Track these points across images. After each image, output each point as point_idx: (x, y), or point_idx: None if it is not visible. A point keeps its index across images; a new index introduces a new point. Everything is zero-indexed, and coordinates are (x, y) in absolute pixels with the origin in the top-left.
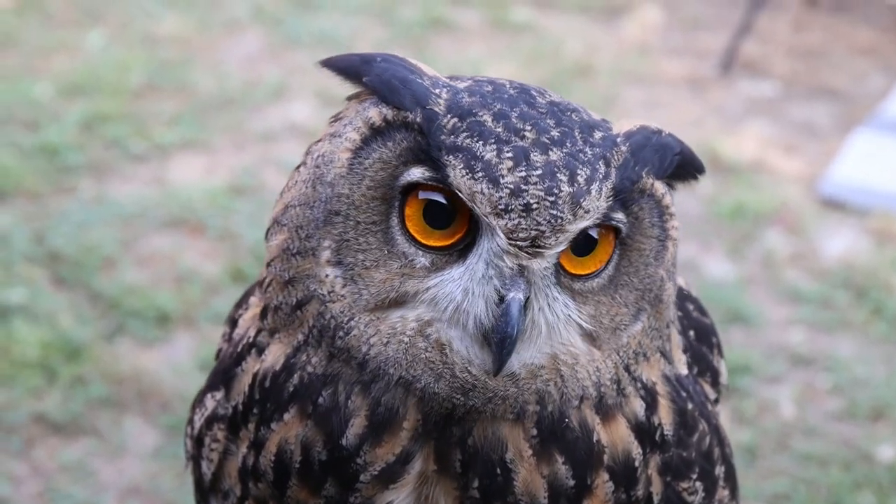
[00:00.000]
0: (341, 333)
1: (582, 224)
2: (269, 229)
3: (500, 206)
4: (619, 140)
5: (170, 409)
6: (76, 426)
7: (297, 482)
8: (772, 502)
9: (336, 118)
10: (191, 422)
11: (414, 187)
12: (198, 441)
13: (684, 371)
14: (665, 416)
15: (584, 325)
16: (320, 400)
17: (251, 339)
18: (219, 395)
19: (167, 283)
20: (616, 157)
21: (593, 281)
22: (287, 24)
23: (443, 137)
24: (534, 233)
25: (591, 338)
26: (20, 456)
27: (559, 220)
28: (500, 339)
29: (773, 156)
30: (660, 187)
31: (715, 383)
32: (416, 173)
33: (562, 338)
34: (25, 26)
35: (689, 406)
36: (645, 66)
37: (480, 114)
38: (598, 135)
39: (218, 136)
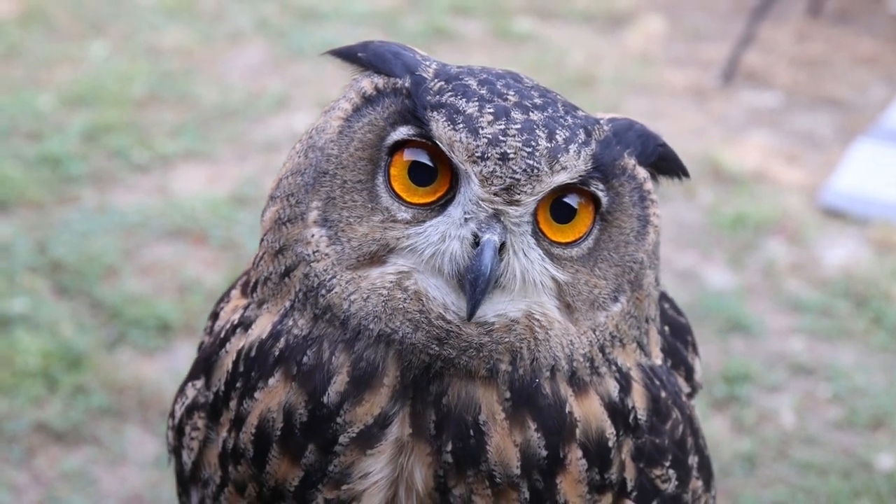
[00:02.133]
0: (323, 291)
1: (558, 178)
2: (264, 207)
3: (476, 154)
4: (602, 121)
5: None
6: (77, 435)
7: (278, 452)
8: None
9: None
10: (172, 413)
11: (400, 147)
12: (178, 431)
13: (658, 362)
14: (639, 400)
15: (561, 283)
16: (304, 359)
17: (235, 322)
18: (199, 383)
19: (169, 293)
20: (597, 132)
21: (573, 249)
22: (290, 36)
23: (428, 98)
24: (509, 181)
25: (568, 309)
26: (21, 465)
27: (535, 171)
28: (473, 279)
29: (774, 165)
30: (641, 171)
31: (689, 378)
32: (402, 132)
33: (538, 295)
34: (29, 38)
35: (663, 394)
36: (647, 76)
37: (466, 79)
38: (581, 112)
39: (220, 146)
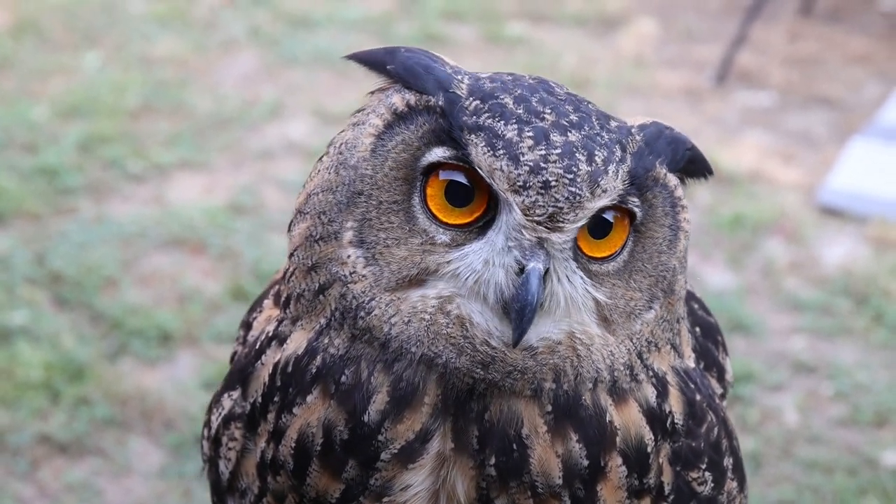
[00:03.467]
0: (362, 314)
1: (599, 203)
2: (291, 221)
3: (518, 183)
4: (633, 130)
5: (174, 427)
6: (81, 446)
7: (319, 466)
8: None
9: (359, 111)
10: (207, 423)
11: (435, 167)
12: (215, 441)
13: (692, 364)
14: (676, 405)
15: (601, 302)
16: (343, 378)
17: (270, 333)
18: (235, 394)
19: (169, 303)
20: (631, 144)
21: (609, 264)
22: (283, 44)
23: (465, 118)
24: (551, 209)
25: (605, 322)
26: (26, 477)
27: (578, 198)
28: (519, 308)
29: (770, 165)
30: (672, 179)
31: (721, 379)
32: (438, 153)
33: (580, 316)
34: (22, 49)
35: (698, 397)
36: (641, 78)
37: (502, 97)
38: (613, 123)
39: (216, 155)
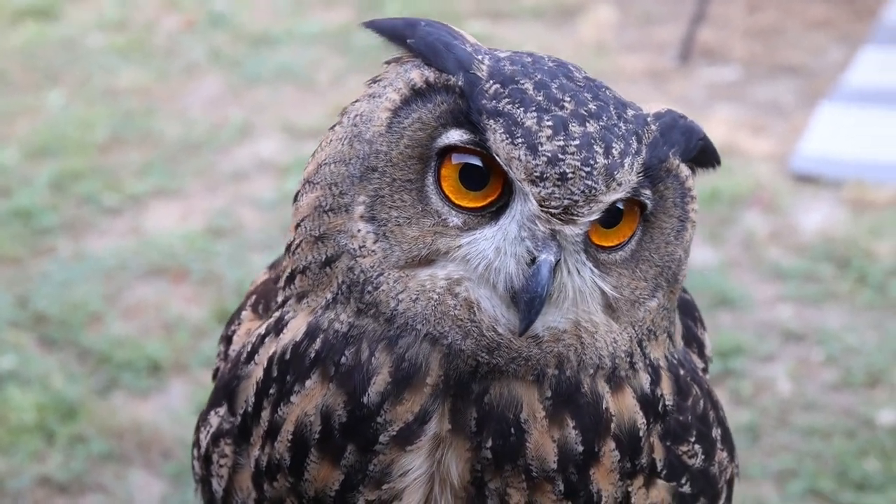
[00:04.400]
0: (370, 288)
1: (614, 196)
2: (297, 192)
3: (535, 174)
4: (649, 119)
5: (172, 456)
6: (80, 484)
7: (317, 455)
8: (779, 479)
9: (374, 80)
10: (196, 443)
11: (451, 149)
12: (206, 460)
13: (681, 344)
14: (666, 387)
15: (609, 293)
16: (343, 359)
17: (262, 331)
18: (222, 410)
19: (155, 332)
20: (647, 135)
21: (617, 253)
22: (245, 64)
23: (484, 102)
24: (566, 202)
25: (611, 310)
26: None
27: (593, 191)
28: (529, 299)
29: (741, 138)
30: (684, 169)
31: (701, 354)
32: (455, 136)
33: (587, 305)
34: None
35: (682, 372)
36: (604, 64)
37: (522, 82)
38: (630, 112)
39: (189, 181)
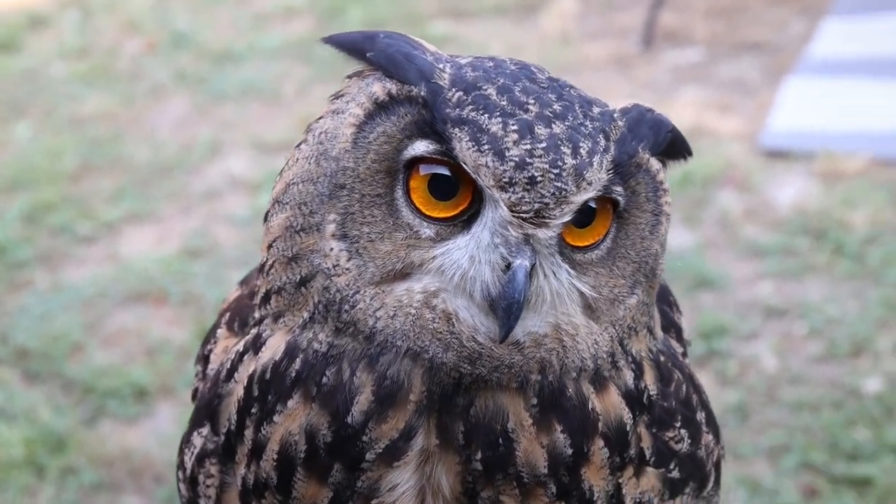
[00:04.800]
0: (347, 307)
1: (585, 196)
2: (268, 211)
3: (504, 180)
4: (616, 115)
5: (164, 481)
6: None
7: (304, 474)
8: (771, 455)
9: (337, 96)
10: (181, 465)
11: (418, 161)
12: (192, 482)
13: (661, 334)
14: (649, 378)
15: (587, 294)
16: (324, 380)
17: (240, 349)
18: (205, 430)
19: (139, 358)
20: (615, 132)
21: (592, 252)
22: (210, 82)
23: (448, 110)
24: (537, 205)
25: (590, 310)
26: None
27: (563, 192)
28: (506, 306)
29: (710, 119)
30: (654, 163)
31: (679, 338)
32: (421, 147)
33: (565, 308)
34: None
35: (662, 358)
36: (569, 54)
37: (485, 87)
38: (596, 109)
39: (162, 203)
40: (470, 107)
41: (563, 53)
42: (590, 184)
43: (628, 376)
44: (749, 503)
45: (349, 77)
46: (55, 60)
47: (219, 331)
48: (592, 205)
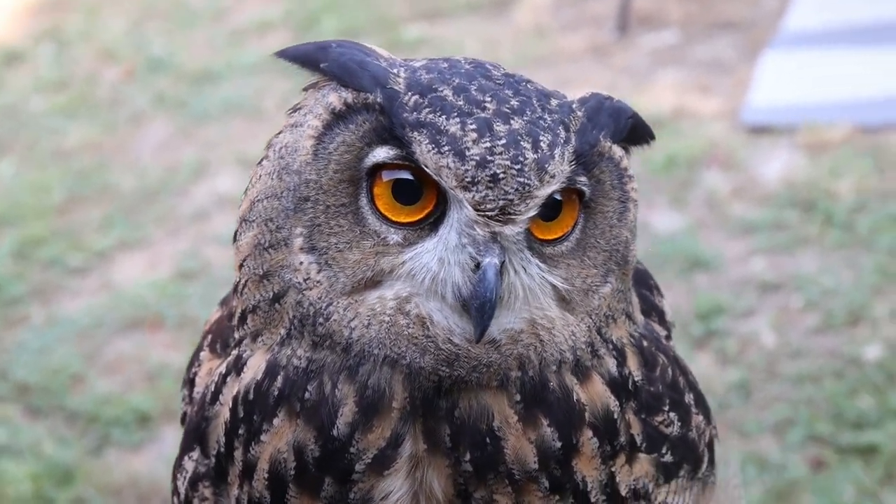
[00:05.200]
0: (321, 320)
1: (549, 189)
2: (236, 231)
3: (466, 179)
4: (574, 106)
5: None
6: None
7: (296, 491)
8: (777, 430)
9: (294, 109)
10: (175, 491)
11: (380, 167)
12: None
13: (642, 318)
14: (632, 364)
15: (559, 287)
16: (307, 395)
17: (223, 370)
18: (195, 454)
19: (139, 384)
20: (574, 123)
21: (562, 245)
22: (191, 103)
23: (405, 115)
24: (502, 202)
25: (564, 302)
26: None
27: (527, 187)
28: (479, 305)
29: (690, 100)
30: (617, 150)
31: (662, 321)
32: (381, 153)
33: (539, 302)
34: None
35: (645, 343)
36: (545, 47)
37: (441, 89)
38: (554, 102)
39: (152, 228)
40: (427, 109)
41: (538, 46)
42: (553, 177)
43: (611, 364)
44: (758, 480)
45: (305, 89)
46: (34, 95)
47: (202, 353)
48: (558, 197)
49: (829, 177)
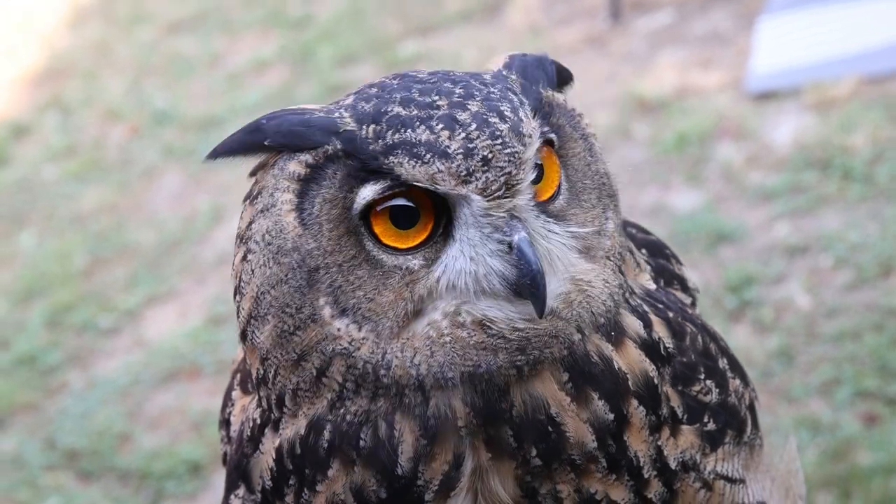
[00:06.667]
0: (383, 371)
1: (533, 149)
2: (243, 331)
3: (462, 174)
4: (505, 73)
5: None
6: None
7: None
8: (824, 391)
9: (253, 196)
10: None
11: (370, 206)
12: None
13: (653, 286)
14: (661, 331)
15: (581, 236)
16: (361, 443)
17: (257, 420)
18: (241, 491)
19: (186, 434)
20: (514, 84)
21: (559, 198)
22: (199, 151)
23: (372, 147)
24: (503, 178)
25: (586, 252)
26: None
27: (516, 154)
28: (531, 281)
29: (693, 77)
30: (558, 96)
31: (685, 289)
32: (368, 192)
33: (570, 259)
34: None
35: (671, 314)
36: (541, 44)
37: (389, 109)
38: (487, 77)
39: (177, 280)
40: (389, 132)
41: (536, 45)
42: (530, 136)
43: (637, 324)
44: (812, 443)
45: (252, 174)
46: (45, 164)
47: (234, 393)
48: (538, 160)
49: (842, 132)
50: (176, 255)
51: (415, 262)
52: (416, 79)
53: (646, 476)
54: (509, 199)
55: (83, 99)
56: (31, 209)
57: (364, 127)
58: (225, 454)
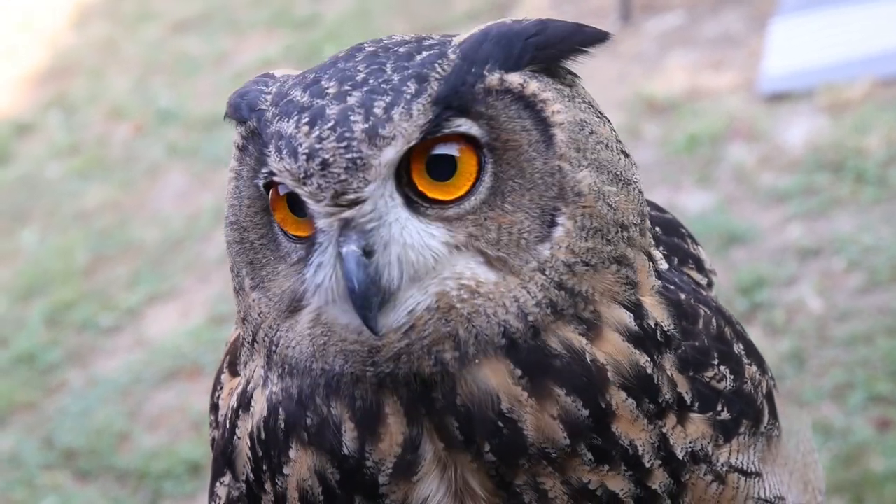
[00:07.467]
0: (275, 348)
1: (392, 151)
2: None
3: (300, 176)
4: (449, 52)
5: None
6: None
7: None
8: (836, 395)
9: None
10: None
11: (270, 186)
12: None
13: (665, 265)
14: (659, 314)
15: (460, 244)
16: (308, 423)
17: (234, 405)
18: (226, 478)
19: (185, 434)
20: (438, 70)
21: (470, 199)
22: (203, 149)
23: (268, 130)
24: (336, 186)
25: (500, 263)
26: None
27: (360, 160)
28: (354, 298)
29: (704, 78)
30: (514, 79)
31: (700, 269)
32: (263, 175)
33: (450, 270)
34: None
35: (682, 296)
36: None
37: (293, 92)
38: (418, 57)
39: (179, 278)
40: (277, 118)
41: None
42: (393, 137)
43: (624, 316)
44: (824, 448)
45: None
46: (48, 162)
47: (223, 377)
48: (453, 153)
49: (855, 134)
50: (179, 254)
51: (296, 254)
52: (348, 55)
53: (647, 465)
54: (343, 209)
55: (87, 97)
56: (34, 206)
57: (271, 108)
58: (213, 440)
